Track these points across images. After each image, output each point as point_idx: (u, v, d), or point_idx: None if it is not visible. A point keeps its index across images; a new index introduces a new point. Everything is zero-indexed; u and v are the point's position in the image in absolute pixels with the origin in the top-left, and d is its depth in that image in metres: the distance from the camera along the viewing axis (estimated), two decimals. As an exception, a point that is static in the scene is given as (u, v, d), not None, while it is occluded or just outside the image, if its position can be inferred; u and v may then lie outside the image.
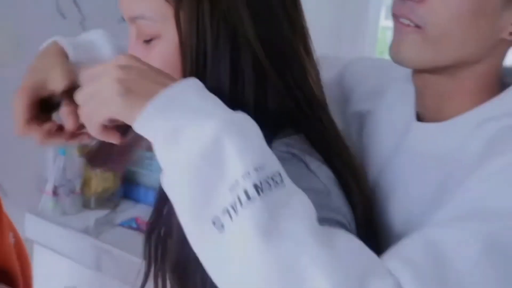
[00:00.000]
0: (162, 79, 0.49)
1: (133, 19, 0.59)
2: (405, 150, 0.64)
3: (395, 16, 0.60)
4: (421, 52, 0.59)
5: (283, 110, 0.58)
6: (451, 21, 0.57)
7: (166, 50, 0.58)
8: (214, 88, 0.51)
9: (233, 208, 0.43)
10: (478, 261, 0.47)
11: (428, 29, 0.58)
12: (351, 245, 0.46)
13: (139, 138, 0.50)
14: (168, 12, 0.56)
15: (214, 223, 0.43)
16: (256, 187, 0.43)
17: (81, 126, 0.62)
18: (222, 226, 0.43)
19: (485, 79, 0.61)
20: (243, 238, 0.42)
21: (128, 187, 1.43)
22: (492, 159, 0.54)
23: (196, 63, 0.56)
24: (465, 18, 0.57)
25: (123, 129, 0.53)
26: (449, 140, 0.60)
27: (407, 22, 0.59)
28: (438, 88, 0.63)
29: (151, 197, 1.35)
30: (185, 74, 0.56)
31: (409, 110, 0.66)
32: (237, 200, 0.43)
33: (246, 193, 0.43)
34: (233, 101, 0.51)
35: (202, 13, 0.55)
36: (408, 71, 0.66)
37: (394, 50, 0.61)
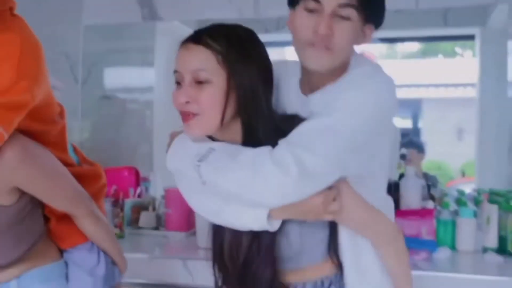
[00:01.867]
0: None
1: (194, 71, 1.02)
2: (305, 109, 1.10)
3: (313, 43, 1.06)
4: (329, 62, 1.07)
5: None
6: (345, 45, 1.07)
7: (215, 92, 1.02)
8: (248, 113, 1.04)
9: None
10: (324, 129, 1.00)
11: (335, 50, 1.06)
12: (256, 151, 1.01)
13: None
14: (220, 70, 1.02)
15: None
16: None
17: None
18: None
19: (344, 66, 1.10)
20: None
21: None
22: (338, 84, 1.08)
23: (239, 103, 1.04)
24: (350, 42, 1.08)
25: None
26: (326, 95, 1.07)
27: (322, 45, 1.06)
28: (322, 77, 1.09)
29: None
30: (228, 109, 1.03)
31: (298, 91, 1.15)
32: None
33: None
34: (258, 118, 1.05)
35: (244, 75, 1.04)
36: (297, 69, 1.16)
37: (314, 61, 1.07)
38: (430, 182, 1.98)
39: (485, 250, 1.72)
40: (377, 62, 1.17)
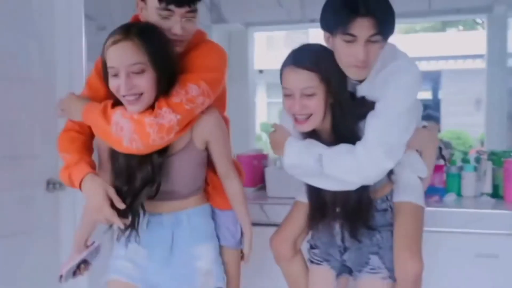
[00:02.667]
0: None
1: (302, 88, 1.54)
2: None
3: (355, 65, 1.53)
4: (366, 73, 1.57)
5: None
6: (375, 59, 1.55)
7: (319, 103, 1.56)
8: (342, 104, 1.58)
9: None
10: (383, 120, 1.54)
11: (369, 66, 1.55)
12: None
13: None
14: (320, 84, 1.54)
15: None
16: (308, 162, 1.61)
17: None
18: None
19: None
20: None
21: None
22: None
23: (334, 103, 1.57)
24: (378, 55, 1.56)
25: None
26: (372, 84, 1.56)
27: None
28: None
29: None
30: (326, 114, 1.58)
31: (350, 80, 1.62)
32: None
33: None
34: (346, 104, 1.59)
35: (334, 85, 1.56)
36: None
37: (356, 76, 1.57)
38: (442, 145, 2.51)
39: (482, 194, 2.30)
40: (404, 52, 1.59)
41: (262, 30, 3.49)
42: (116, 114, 1.46)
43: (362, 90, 1.60)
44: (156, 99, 1.45)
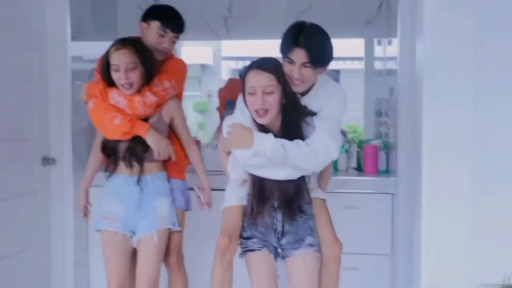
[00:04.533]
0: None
1: (264, 87, 1.92)
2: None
3: (292, 80, 2.05)
4: (303, 88, 2.10)
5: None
6: (310, 79, 2.08)
7: (275, 100, 1.94)
8: (291, 107, 1.99)
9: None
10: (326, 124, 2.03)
11: (305, 83, 2.07)
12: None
13: None
14: (277, 84, 1.94)
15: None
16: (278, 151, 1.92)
17: None
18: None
19: (314, 83, 2.12)
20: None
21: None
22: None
23: (286, 104, 1.98)
24: (313, 77, 2.09)
25: None
26: (313, 97, 2.11)
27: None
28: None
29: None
30: (281, 106, 1.97)
31: None
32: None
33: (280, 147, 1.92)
34: (294, 107, 2.02)
35: (288, 89, 2.00)
36: None
37: (295, 89, 2.07)
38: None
39: (350, 168, 3.36)
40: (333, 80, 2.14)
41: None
42: (112, 93, 2.25)
43: (304, 101, 2.07)
44: (142, 87, 2.27)
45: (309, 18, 3.59)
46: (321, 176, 2.27)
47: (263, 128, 1.96)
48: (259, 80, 1.90)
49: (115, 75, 2.22)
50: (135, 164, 2.32)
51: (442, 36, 1.95)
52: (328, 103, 2.03)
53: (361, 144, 3.36)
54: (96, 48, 3.02)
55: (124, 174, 2.34)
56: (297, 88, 2.04)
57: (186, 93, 2.80)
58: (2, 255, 2.55)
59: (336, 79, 8.25)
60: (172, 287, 2.56)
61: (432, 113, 1.98)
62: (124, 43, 2.23)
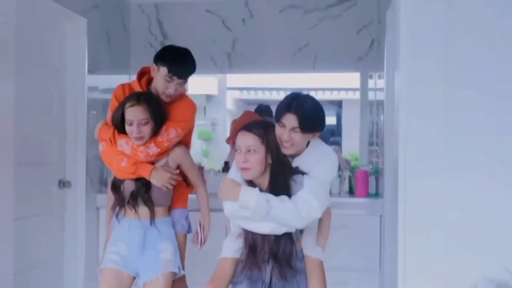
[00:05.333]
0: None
1: (248, 146, 2.05)
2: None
3: (283, 143, 2.11)
4: (292, 151, 2.14)
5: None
6: (300, 143, 2.13)
7: (259, 157, 2.05)
8: (277, 166, 2.09)
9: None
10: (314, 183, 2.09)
11: (295, 146, 2.12)
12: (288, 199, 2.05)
13: None
14: (261, 145, 2.05)
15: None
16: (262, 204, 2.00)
17: None
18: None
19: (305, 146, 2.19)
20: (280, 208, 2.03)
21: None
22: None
23: (272, 164, 2.08)
24: (303, 141, 2.15)
25: None
26: (304, 159, 2.16)
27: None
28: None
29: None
30: (267, 166, 2.07)
31: None
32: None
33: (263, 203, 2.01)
34: (281, 166, 2.10)
35: (272, 150, 2.09)
36: None
37: (285, 151, 2.12)
38: (345, 163, 3.78)
39: (341, 191, 3.61)
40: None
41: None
42: (121, 141, 2.38)
43: (296, 162, 2.16)
44: (151, 138, 2.38)
45: (306, 54, 4.07)
46: (319, 233, 2.28)
47: (253, 185, 2.10)
48: (244, 141, 2.08)
49: (128, 128, 2.36)
50: (140, 208, 2.40)
51: (414, 72, 2.23)
52: (318, 165, 2.13)
53: (353, 169, 3.62)
54: (110, 81, 3.37)
55: (129, 217, 2.42)
56: (286, 151, 2.13)
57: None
58: (21, 268, 2.80)
59: (339, 109, 8.31)
60: None
61: (406, 139, 2.23)
62: (138, 100, 2.35)
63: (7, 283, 2.56)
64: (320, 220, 2.23)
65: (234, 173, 2.17)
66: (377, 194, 3.47)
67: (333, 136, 5.37)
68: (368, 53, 3.97)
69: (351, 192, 3.60)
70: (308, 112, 2.12)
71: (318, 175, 2.09)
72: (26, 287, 2.86)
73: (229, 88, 6.35)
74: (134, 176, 2.39)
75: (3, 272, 2.53)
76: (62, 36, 3.18)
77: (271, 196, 2.02)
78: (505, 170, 2.18)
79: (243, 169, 2.07)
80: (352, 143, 4.65)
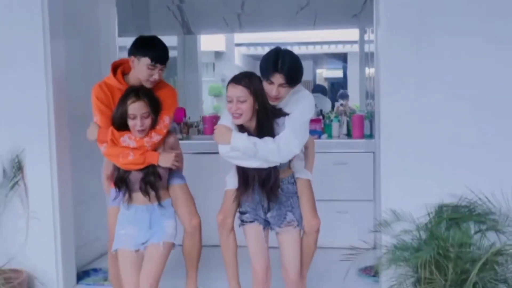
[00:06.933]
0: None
1: (238, 97, 2.35)
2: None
3: (271, 97, 2.45)
4: (278, 102, 2.49)
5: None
6: (285, 95, 2.47)
7: (248, 105, 2.35)
8: (262, 112, 2.39)
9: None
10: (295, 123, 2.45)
11: (280, 98, 2.46)
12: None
13: None
14: (249, 95, 2.35)
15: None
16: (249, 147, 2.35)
17: None
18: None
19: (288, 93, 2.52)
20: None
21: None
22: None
23: (258, 109, 2.38)
24: (287, 93, 2.48)
25: None
26: (286, 103, 2.51)
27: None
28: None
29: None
30: (254, 112, 2.37)
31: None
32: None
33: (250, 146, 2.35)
34: (265, 112, 2.41)
35: (258, 98, 2.39)
36: None
37: (273, 102, 2.48)
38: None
39: (341, 134, 4.14)
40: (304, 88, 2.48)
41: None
42: (124, 137, 2.54)
43: (280, 105, 2.46)
44: (150, 129, 2.57)
45: (307, 13, 4.50)
46: (306, 158, 2.70)
47: (242, 128, 2.40)
48: (234, 92, 2.35)
49: (131, 122, 2.53)
50: (151, 192, 2.60)
51: (392, 22, 2.68)
52: (297, 107, 2.43)
53: (350, 114, 4.15)
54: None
55: (135, 204, 2.61)
56: (274, 102, 2.44)
57: (202, 79, 3.07)
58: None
59: (344, 62, 8.41)
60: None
61: (386, 87, 2.71)
62: (138, 96, 2.53)
63: (68, 214, 3.18)
64: (306, 148, 2.66)
65: (225, 119, 2.45)
66: (371, 135, 3.98)
67: (342, 89, 5.65)
68: (362, 10, 4.41)
69: (349, 134, 4.13)
70: (292, 70, 2.40)
71: (297, 116, 2.41)
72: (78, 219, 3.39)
73: (237, 45, 6.70)
74: (143, 166, 2.57)
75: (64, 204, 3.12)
76: (94, 6, 3.69)
77: (257, 140, 2.33)
78: (472, 89, 2.63)
79: (235, 116, 2.35)
80: (356, 95, 5.04)
